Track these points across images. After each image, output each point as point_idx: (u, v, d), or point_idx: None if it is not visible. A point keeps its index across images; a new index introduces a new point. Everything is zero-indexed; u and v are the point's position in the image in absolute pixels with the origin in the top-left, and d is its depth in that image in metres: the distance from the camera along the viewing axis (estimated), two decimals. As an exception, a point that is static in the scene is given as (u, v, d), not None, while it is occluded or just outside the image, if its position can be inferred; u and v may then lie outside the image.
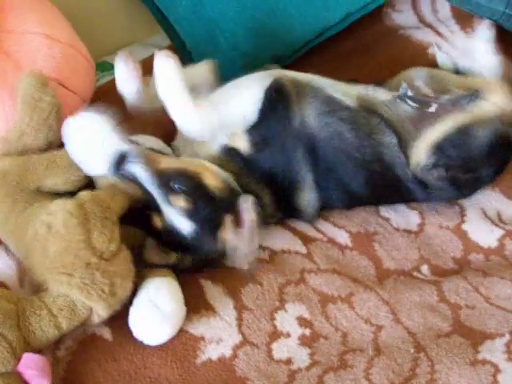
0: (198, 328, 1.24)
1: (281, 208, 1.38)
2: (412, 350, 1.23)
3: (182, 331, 1.23)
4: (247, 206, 1.26)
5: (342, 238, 1.42)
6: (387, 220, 1.46)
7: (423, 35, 1.77)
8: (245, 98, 1.36)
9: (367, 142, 1.38)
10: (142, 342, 1.21)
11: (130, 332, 1.21)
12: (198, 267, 1.31)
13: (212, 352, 1.22)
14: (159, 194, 1.24)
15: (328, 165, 1.38)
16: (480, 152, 1.40)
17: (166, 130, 1.48)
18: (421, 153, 1.38)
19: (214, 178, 1.29)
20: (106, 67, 1.64)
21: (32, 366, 1.10)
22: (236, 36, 1.66)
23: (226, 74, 1.45)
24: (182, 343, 1.22)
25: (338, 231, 1.43)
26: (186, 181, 1.25)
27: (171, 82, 1.31)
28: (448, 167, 1.38)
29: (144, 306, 1.21)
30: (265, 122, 1.35)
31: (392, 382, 1.19)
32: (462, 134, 1.38)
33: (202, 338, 1.23)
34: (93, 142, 1.27)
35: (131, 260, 1.23)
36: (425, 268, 1.38)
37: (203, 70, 1.46)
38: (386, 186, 1.42)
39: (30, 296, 1.19)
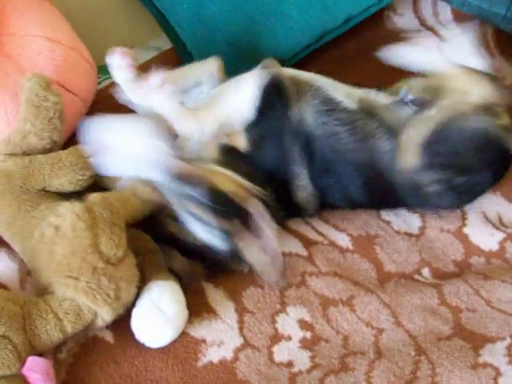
0: (200, 331, 1.24)
1: (282, 206, 1.38)
2: (413, 353, 1.23)
3: (183, 334, 1.23)
4: (261, 214, 1.28)
5: (343, 240, 1.42)
6: (388, 223, 1.46)
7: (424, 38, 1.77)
8: (242, 96, 1.36)
9: (363, 145, 1.38)
10: (143, 345, 1.21)
11: (131, 335, 1.21)
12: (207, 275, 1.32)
13: (213, 355, 1.22)
14: (197, 210, 1.24)
15: (325, 164, 1.38)
16: (467, 146, 1.38)
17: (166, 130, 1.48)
18: (410, 155, 1.37)
19: (246, 194, 1.30)
20: (107, 70, 1.64)
21: (37, 370, 1.10)
22: (237, 38, 1.66)
23: (226, 75, 1.46)
24: (184, 346, 1.22)
25: (339, 234, 1.43)
26: (222, 200, 1.25)
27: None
28: (438, 167, 1.37)
29: (146, 308, 1.21)
30: (262, 120, 1.35)
31: (393, 384, 1.19)
32: (445, 128, 1.36)
33: (204, 341, 1.23)
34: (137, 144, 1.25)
35: (135, 264, 1.23)
36: (426, 271, 1.38)
37: (210, 66, 1.47)
38: (383, 191, 1.42)
39: (35, 298, 1.19)
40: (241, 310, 1.28)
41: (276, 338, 1.25)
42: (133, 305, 1.22)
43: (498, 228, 1.44)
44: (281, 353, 1.23)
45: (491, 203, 1.47)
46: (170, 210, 1.26)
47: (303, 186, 1.39)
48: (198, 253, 1.27)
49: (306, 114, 1.37)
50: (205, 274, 1.30)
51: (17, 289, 1.29)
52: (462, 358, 1.22)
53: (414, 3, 1.87)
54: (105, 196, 1.26)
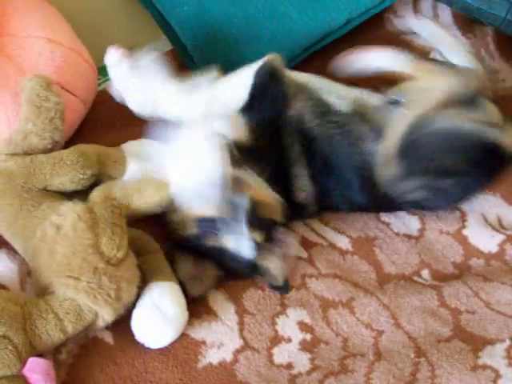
0: (200, 332, 1.24)
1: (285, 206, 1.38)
2: (412, 355, 1.23)
3: (183, 335, 1.23)
4: (290, 238, 1.31)
5: (343, 242, 1.42)
6: (387, 225, 1.46)
7: (424, 40, 1.77)
8: (236, 80, 1.38)
9: (356, 148, 1.38)
10: (143, 346, 1.21)
11: (131, 336, 1.21)
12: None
13: (213, 356, 1.22)
14: (239, 225, 1.25)
15: (323, 165, 1.38)
16: (440, 148, 1.36)
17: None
18: (386, 167, 1.36)
19: (276, 209, 1.31)
20: (107, 72, 1.64)
21: (37, 370, 1.10)
22: (237, 40, 1.66)
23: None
24: (184, 347, 1.22)
25: (338, 236, 1.43)
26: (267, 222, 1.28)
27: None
28: (418, 174, 1.37)
29: (147, 309, 1.21)
30: (262, 114, 1.36)
31: (393, 386, 1.20)
32: (415, 133, 1.34)
33: (204, 343, 1.23)
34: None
35: (136, 264, 1.23)
36: (425, 273, 1.38)
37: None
38: (379, 195, 1.41)
39: (36, 299, 1.19)
40: (241, 312, 1.28)
41: (276, 339, 1.25)
42: (133, 306, 1.22)
43: (497, 230, 1.44)
44: (281, 355, 1.23)
45: (491, 205, 1.48)
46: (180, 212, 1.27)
47: (303, 187, 1.39)
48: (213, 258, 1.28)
49: (305, 114, 1.37)
50: (214, 281, 1.30)
51: (17, 290, 1.29)
52: (461, 359, 1.22)
53: (415, 5, 1.87)
54: (107, 194, 1.25)
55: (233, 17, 1.66)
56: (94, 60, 1.58)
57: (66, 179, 1.32)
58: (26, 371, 1.10)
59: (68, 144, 1.42)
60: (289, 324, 1.27)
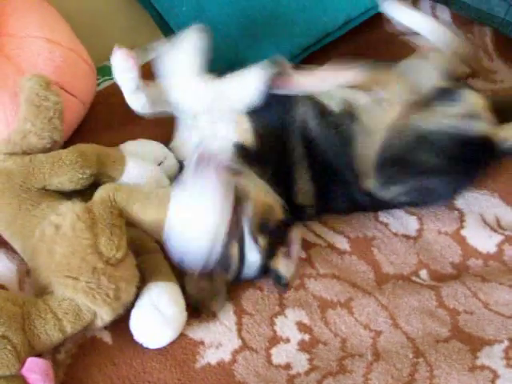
0: (198, 332, 1.24)
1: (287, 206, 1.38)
2: (411, 356, 1.23)
3: (181, 335, 1.23)
4: (295, 237, 1.31)
5: (341, 243, 1.42)
6: (386, 225, 1.46)
7: (423, 41, 1.77)
8: (244, 80, 1.38)
9: (350, 148, 1.38)
10: (141, 346, 1.21)
11: (129, 336, 1.21)
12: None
13: (211, 356, 1.22)
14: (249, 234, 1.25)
15: (323, 166, 1.39)
16: (417, 150, 1.36)
17: (165, 131, 1.49)
18: (367, 178, 1.38)
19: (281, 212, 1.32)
20: (106, 72, 1.65)
21: (36, 370, 1.10)
22: (236, 41, 1.66)
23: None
24: (182, 347, 1.22)
25: (337, 236, 1.43)
26: (270, 224, 1.28)
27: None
28: (399, 181, 1.38)
29: (146, 309, 1.21)
30: (269, 115, 1.37)
31: (391, 387, 1.20)
32: (388, 141, 1.36)
33: (202, 343, 1.23)
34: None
35: (135, 264, 1.23)
36: (424, 273, 1.38)
37: None
38: (375, 196, 1.42)
39: (34, 299, 1.19)
40: (239, 312, 1.28)
41: (274, 340, 1.25)
42: (132, 306, 1.22)
43: (495, 230, 1.44)
44: (279, 355, 1.23)
45: (489, 206, 1.47)
46: None
47: (304, 188, 1.39)
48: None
49: (308, 117, 1.38)
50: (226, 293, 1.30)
51: (15, 289, 1.29)
52: (459, 360, 1.22)
53: (413, 6, 1.87)
54: (107, 195, 1.26)
55: (232, 17, 1.66)
56: (92, 60, 1.58)
57: (65, 179, 1.32)
58: (25, 371, 1.10)
59: (67, 144, 1.42)
60: (287, 324, 1.27)
